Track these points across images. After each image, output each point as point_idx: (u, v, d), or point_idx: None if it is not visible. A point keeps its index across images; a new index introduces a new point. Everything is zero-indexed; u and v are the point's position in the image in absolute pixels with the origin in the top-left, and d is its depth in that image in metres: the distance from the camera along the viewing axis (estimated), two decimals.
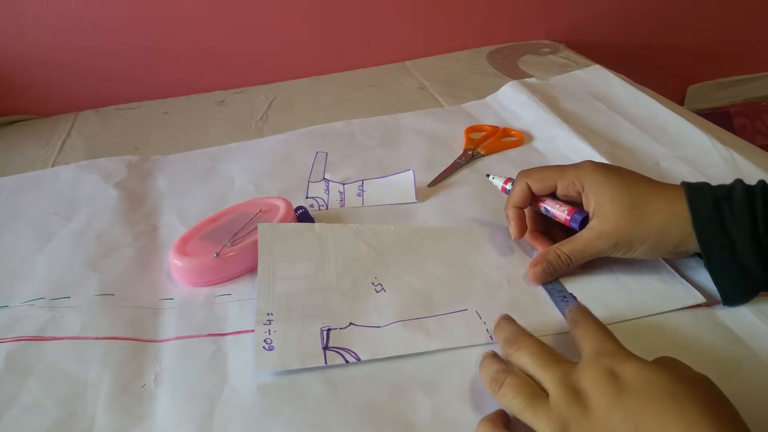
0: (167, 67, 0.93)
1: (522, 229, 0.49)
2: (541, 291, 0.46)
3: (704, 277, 0.45)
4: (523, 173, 0.49)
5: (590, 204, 0.45)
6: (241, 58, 0.95)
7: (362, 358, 0.40)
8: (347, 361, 0.40)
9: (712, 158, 0.60)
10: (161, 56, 0.92)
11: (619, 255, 0.44)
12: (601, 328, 0.36)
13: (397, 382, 0.39)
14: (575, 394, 0.32)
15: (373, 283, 0.47)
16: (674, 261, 0.47)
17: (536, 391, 0.33)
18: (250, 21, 0.92)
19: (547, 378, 0.33)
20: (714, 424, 0.28)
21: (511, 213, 0.49)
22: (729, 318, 0.42)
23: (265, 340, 0.41)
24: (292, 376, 0.40)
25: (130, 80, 0.93)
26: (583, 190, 0.45)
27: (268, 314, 0.43)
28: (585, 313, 0.38)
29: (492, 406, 0.36)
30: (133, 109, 0.90)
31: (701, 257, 0.42)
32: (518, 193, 0.48)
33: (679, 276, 0.45)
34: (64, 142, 0.80)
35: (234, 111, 0.86)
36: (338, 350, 0.41)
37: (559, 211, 0.47)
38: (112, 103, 0.92)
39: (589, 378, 0.32)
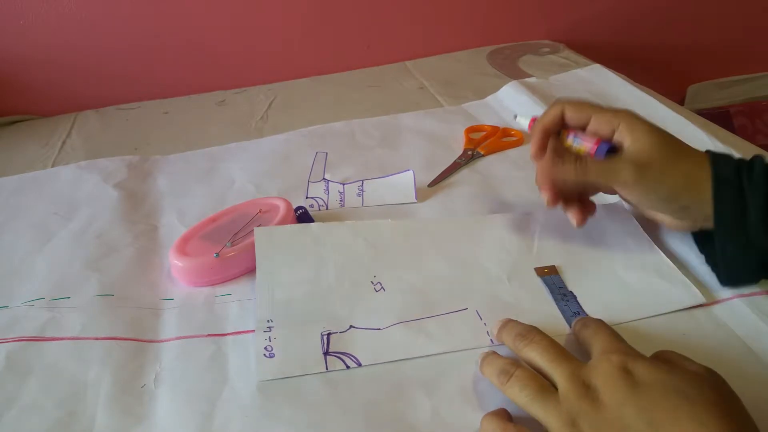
0: (167, 67, 0.93)
1: (543, 147, 0.47)
2: (541, 290, 0.46)
3: (705, 276, 0.45)
4: (561, 99, 0.48)
5: (625, 139, 0.44)
6: (241, 58, 0.95)
7: (363, 363, 0.40)
8: (348, 367, 0.40)
9: None
10: (161, 56, 0.92)
11: (636, 193, 0.44)
12: (609, 329, 0.37)
13: (397, 382, 0.39)
14: (585, 388, 0.32)
15: (372, 282, 0.47)
16: (675, 257, 0.47)
17: (545, 385, 0.34)
18: (250, 21, 0.92)
19: (556, 372, 0.34)
20: (724, 424, 0.28)
21: (538, 128, 0.48)
22: (729, 318, 0.42)
23: (265, 348, 0.41)
24: (293, 377, 0.40)
25: (130, 80, 0.93)
26: (619, 128, 0.45)
27: (268, 321, 0.43)
28: (593, 318, 0.40)
29: (492, 405, 0.36)
30: (133, 109, 0.90)
31: (699, 251, 0.42)
32: (551, 116, 0.48)
33: (680, 273, 0.45)
34: (64, 142, 0.80)
35: (234, 111, 0.86)
36: (339, 355, 0.41)
37: (587, 141, 0.46)
38: (112, 103, 0.92)
39: (600, 374, 0.32)
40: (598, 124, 0.46)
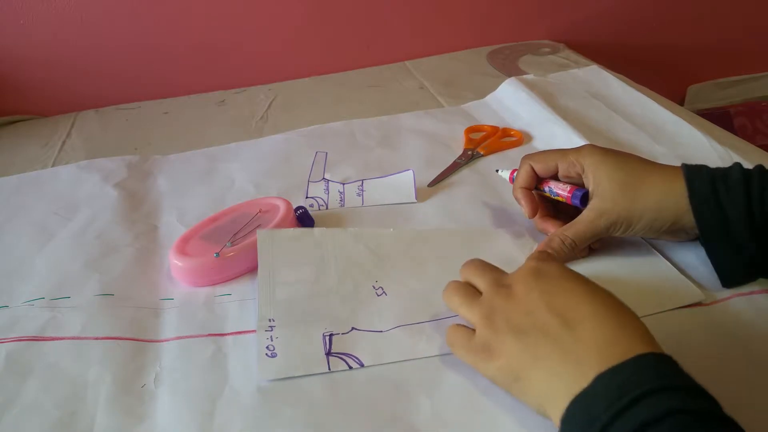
0: (167, 67, 0.93)
1: (533, 207, 0.50)
2: None
3: (703, 275, 0.45)
4: (527, 156, 0.51)
5: (589, 184, 0.46)
6: (241, 58, 0.95)
7: (365, 364, 0.40)
8: (350, 367, 0.40)
9: (710, 158, 0.60)
10: (161, 56, 0.92)
11: (619, 234, 0.45)
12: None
13: (398, 382, 0.39)
14: (501, 287, 0.37)
15: (374, 287, 0.47)
16: (673, 258, 0.47)
17: (473, 292, 0.39)
18: (250, 21, 0.92)
19: (481, 280, 0.39)
20: (611, 297, 0.34)
21: (520, 193, 0.50)
22: (727, 317, 0.42)
23: (267, 347, 0.41)
24: (293, 377, 0.40)
25: (130, 80, 0.93)
26: (583, 171, 0.46)
27: (269, 320, 0.43)
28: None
29: (493, 405, 0.36)
30: (133, 109, 0.90)
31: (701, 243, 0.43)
32: (523, 175, 0.50)
33: (679, 273, 0.46)
34: (64, 142, 0.80)
35: (234, 111, 0.86)
36: (341, 356, 0.41)
37: (561, 189, 0.48)
38: (112, 103, 0.92)
39: (516, 275, 0.37)
40: (565, 170, 0.48)
